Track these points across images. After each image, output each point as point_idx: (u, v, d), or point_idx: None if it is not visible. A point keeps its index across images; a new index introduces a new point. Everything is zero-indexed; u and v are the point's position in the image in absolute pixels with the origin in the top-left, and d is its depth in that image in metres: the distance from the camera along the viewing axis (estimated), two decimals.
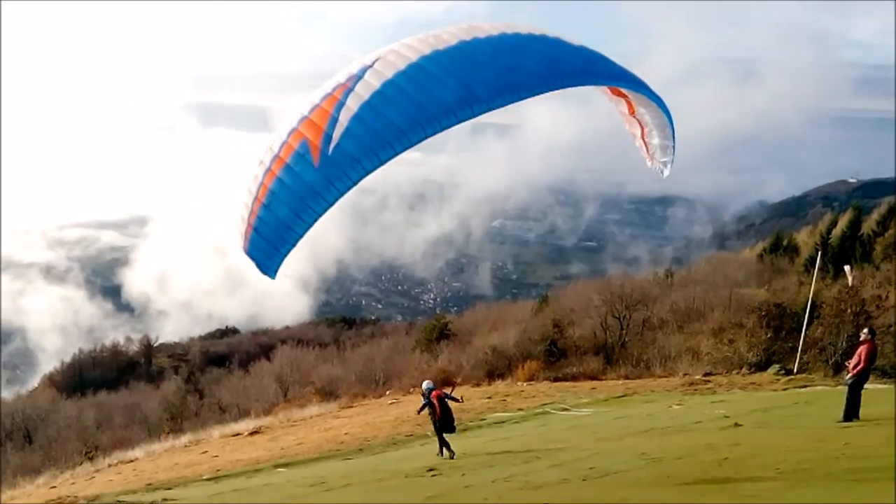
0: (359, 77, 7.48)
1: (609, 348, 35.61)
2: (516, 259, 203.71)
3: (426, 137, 7.37)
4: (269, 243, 7.73)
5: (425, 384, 15.80)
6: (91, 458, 30.34)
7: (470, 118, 7.55)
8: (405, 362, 41.01)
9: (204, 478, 19.06)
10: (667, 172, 10.75)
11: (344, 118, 7.21)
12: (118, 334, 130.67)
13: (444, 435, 15.31)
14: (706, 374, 28.12)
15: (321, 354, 55.66)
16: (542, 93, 8.16)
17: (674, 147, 10.21)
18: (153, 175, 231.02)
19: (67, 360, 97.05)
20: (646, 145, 10.53)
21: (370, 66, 7.57)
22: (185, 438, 30.50)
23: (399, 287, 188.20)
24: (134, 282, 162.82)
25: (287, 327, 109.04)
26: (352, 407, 32.94)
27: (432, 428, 15.82)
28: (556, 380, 31.74)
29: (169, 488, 17.62)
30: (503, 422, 21.99)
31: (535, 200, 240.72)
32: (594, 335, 36.86)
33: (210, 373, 71.71)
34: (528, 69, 7.81)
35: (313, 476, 15.97)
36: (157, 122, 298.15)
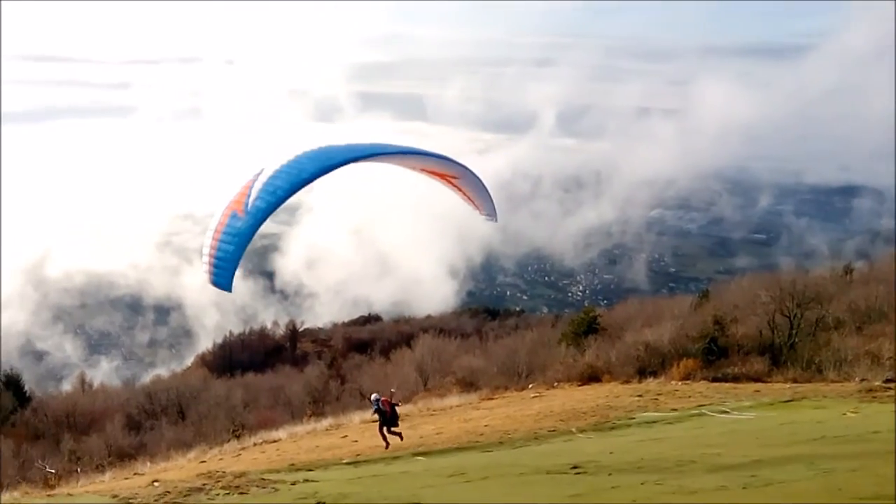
0: (259, 172, 13.21)
1: (776, 349, 33.77)
2: (675, 251, 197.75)
3: (301, 187, 13.07)
4: (224, 271, 12.84)
5: (373, 396, 21.11)
6: (238, 437, 32.37)
7: (327, 172, 13.27)
8: (550, 356, 40.80)
9: (344, 462, 19.79)
10: (495, 219, 15.85)
11: (254, 192, 12.86)
12: (269, 314, 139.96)
13: (393, 428, 20.75)
14: (887, 381, 26.00)
15: (463, 345, 56.53)
16: (378, 157, 14.28)
17: (491, 199, 15.44)
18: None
19: (224, 336, 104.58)
20: (472, 202, 15.52)
21: (266, 166, 13.28)
22: (326, 422, 31.81)
23: (546, 278, 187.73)
24: (285, 266, 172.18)
25: (429, 316, 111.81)
26: (492, 399, 33.16)
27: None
28: (714, 380, 30.50)
29: (310, 469, 18.41)
30: (654, 422, 21.34)
31: (699, 189, 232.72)
32: (760, 334, 35.09)
33: (352, 359, 74.91)
34: (369, 149, 14.04)
35: (452, 466, 16.20)
36: (312, 111, 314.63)
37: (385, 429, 20.68)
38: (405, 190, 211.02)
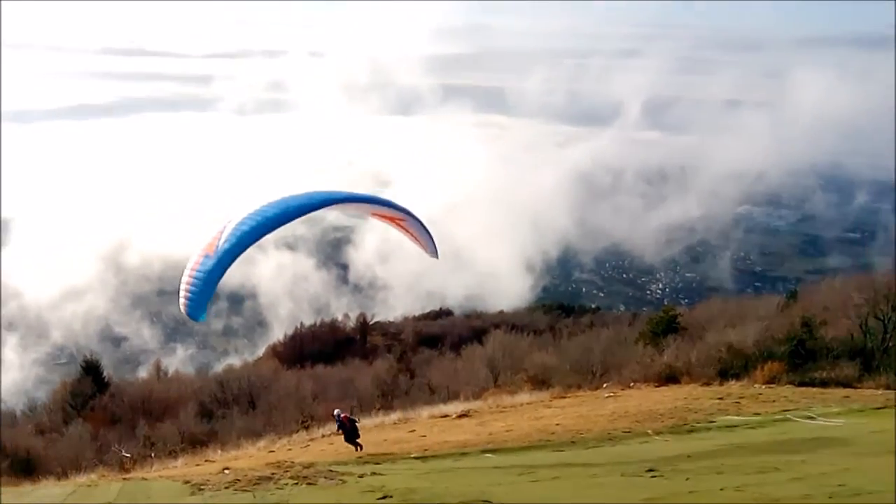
0: (229, 220, 15.59)
1: (868, 353, 32.51)
2: (762, 249, 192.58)
3: (263, 234, 15.53)
4: (195, 304, 15.21)
5: (336, 411, 23.57)
6: (307, 428, 33.01)
7: (286, 223, 15.98)
8: (626, 355, 40.22)
9: (412, 456, 19.98)
10: (437, 257, 18.53)
11: (224, 237, 15.21)
12: (341, 305, 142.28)
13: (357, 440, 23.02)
14: None
15: (535, 341, 56.15)
16: (333, 204, 17.05)
17: (433, 239, 18.04)
18: (381, 157, 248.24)
19: (296, 327, 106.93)
20: (418, 242, 18.02)
21: (233, 217, 15.65)
22: (394, 416, 32.15)
23: (624, 275, 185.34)
24: (358, 258, 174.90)
25: (501, 312, 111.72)
26: (565, 397, 32.92)
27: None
28: (801, 384, 29.55)
29: (378, 463, 18.64)
30: (735, 426, 20.82)
31: (791, 184, 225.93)
32: (851, 338, 33.84)
33: (422, 353, 75.38)
34: (324, 197, 16.58)
35: (522, 464, 16.18)
36: (393, 103, 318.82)
37: (348, 439, 23.23)
38: (482, 182, 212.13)
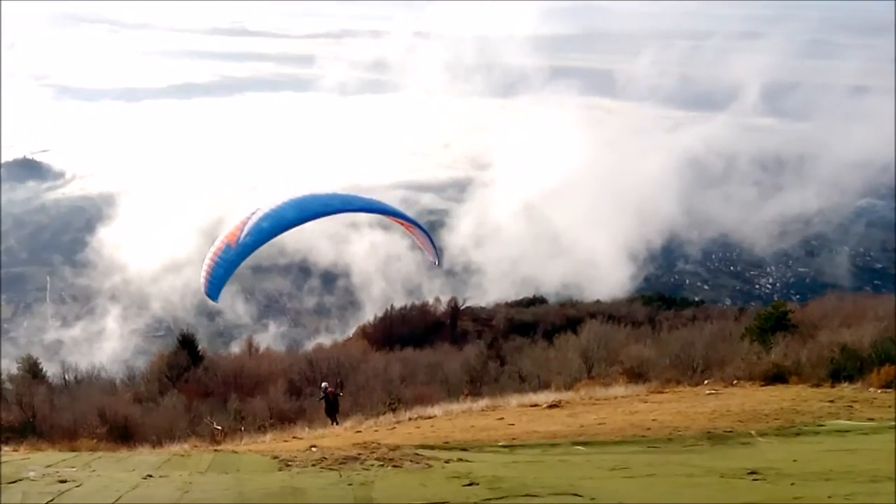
0: (254, 211, 17.22)
1: None
2: (884, 245, 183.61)
3: (281, 233, 17.11)
4: (213, 287, 17.39)
5: (323, 384, 27.75)
6: (393, 410, 33.45)
7: (301, 224, 17.34)
8: (730, 351, 39.06)
9: (499, 444, 19.92)
10: (440, 262, 21.19)
11: (246, 229, 16.78)
12: (434, 287, 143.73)
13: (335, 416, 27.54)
14: None
15: (633, 333, 55.25)
16: (349, 212, 19.73)
17: (435, 249, 20.42)
18: (480, 140, 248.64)
19: (386, 309, 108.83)
20: (423, 247, 20.34)
21: (258, 209, 17.22)
22: (482, 403, 32.17)
23: (732, 267, 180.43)
24: (453, 242, 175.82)
25: (598, 301, 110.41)
26: (662, 392, 32.22)
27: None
28: None
29: (464, 449, 18.62)
30: (846, 431, 19.89)
31: None
32: None
33: (513, 340, 75.30)
34: (341, 202, 18.68)
35: (614, 459, 15.89)
36: (497, 84, 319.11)
37: (327, 412, 26.92)
38: (584, 167, 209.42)
